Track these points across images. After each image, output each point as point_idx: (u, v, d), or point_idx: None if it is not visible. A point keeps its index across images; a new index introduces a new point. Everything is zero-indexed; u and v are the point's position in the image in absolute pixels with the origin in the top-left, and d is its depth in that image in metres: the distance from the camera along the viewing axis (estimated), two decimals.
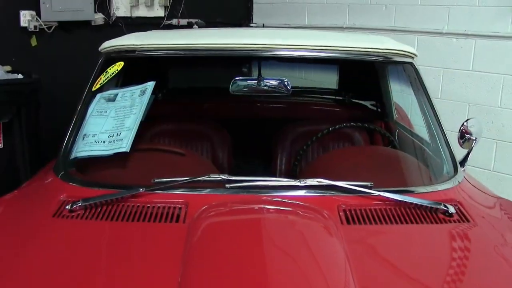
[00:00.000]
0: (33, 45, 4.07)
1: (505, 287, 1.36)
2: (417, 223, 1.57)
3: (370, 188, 1.66)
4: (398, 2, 4.12)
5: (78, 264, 1.39)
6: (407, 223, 1.57)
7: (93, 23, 4.34)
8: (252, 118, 2.94)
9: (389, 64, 2.37)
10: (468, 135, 2.20)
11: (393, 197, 1.64)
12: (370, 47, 2.07)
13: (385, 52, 2.09)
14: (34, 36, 4.07)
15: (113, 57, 2.14)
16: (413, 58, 2.21)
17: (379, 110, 2.80)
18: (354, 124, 2.34)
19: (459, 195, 1.78)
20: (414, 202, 1.64)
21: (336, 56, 2.08)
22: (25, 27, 4.00)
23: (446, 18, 3.86)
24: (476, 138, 2.20)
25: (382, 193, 1.64)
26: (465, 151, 2.17)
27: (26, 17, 3.98)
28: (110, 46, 2.17)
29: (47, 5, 3.98)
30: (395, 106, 2.78)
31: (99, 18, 4.37)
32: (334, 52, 2.05)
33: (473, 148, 2.23)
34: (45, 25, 4.06)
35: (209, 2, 4.85)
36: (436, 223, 1.58)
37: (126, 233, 1.53)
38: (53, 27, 4.12)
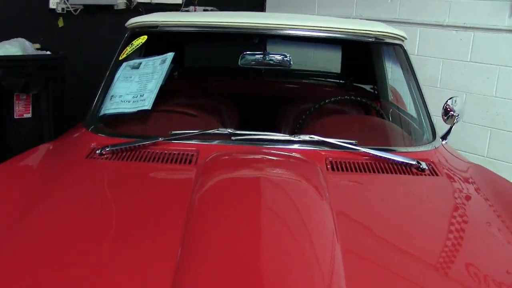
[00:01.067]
0: (60, 26, 4.42)
1: (458, 224, 1.67)
2: (391, 173, 1.89)
3: (354, 145, 1.97)
4: None
5: (103, 195, 1.73)
6: (383, 173, 1.88)
7: (115, 7, 4.69)
8: (260, 95, 3.26)
9: (382, 47, 2.66)
10: (451, 112, 2.50)
11: (374, 153, 1.95)
12: (364, 29, 2.39)
13: (377, 34, 2.40)
14: (61, 17, 4.41)
15: (137, 31, 2.47)
16: (402, 40, 2.52)
17: (376, 92, 3.10)
18: (346, 97, 2.66)
19: (434, 157, 2.08)
20: (392, 158, 1.95)
21: (332, 36, 2.39)
22: (53, 9, 4.35)
23: (447, 11, 4.16)
24: (458, 115, 2.50)
25: (365, 149, 1.96)
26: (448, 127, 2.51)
27: (54, 1, 4.34)
28: (136, 22, 2.51)
29: None
30: (391, 89, 3.08)
31: (121, 2, 4.71)
32: (331, 32, 2.37)
33: (455, 124, 2.53)
34: (71, 7, 4.41)
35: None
36: (408, 174, 1.90)
37: (145, 171, 1.86)
38: (79, 9, 4.47)
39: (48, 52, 3.93)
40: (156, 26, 2.44)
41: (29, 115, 3.75)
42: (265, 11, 5.34)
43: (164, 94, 2.25)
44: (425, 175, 1.92)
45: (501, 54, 3.89)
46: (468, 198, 1.87)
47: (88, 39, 4.49)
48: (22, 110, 3.75)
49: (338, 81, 3.52)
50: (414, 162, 1.94)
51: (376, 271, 1.34)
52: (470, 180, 2.03)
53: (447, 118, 2.51)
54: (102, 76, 2.55)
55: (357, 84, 3.41)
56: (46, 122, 3.79)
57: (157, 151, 1.95)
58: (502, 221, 1.67)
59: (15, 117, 3.71)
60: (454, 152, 2.38)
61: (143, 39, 2.44)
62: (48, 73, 3.77)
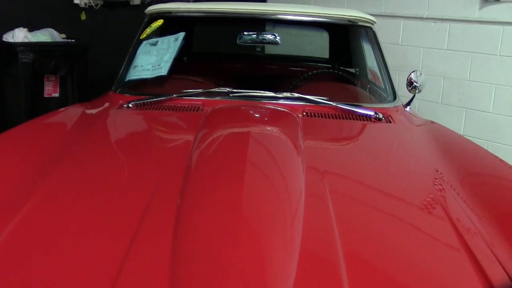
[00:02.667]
0: (82, 19, 5.07)
1: (402, 158, 2.24)
2: (353, 120, 2.47)
3: (325, 100, 2.56)
4: None
5: (130, 133, 2.34)
6: (347, 119, 2.47)
7: (131, 3, 5.34)
8: (258, 75, 3.85)
9: (356, 29, 3.22)
10: (415, 83, 3.08)
11: (340, 106, 2.52)
12: (340, 13, 2.99)
13: (350, 17, 2.99)
14: (83, 11, 5.07)
15: (155, 16, 3.07)
16: (372, 24, 3.10)
17: (357, 72, 3.68)
18: (325, 70, 3.26)
19: (391, 112, 2.65)
20: (355, 110, 2.53)
21: (315, 20, 2.99)
22: (77, 4, 5.01)
23: (426, 5, 4.73)
24: (420, 85, 3.08)
25: (333, 103, 2.54)
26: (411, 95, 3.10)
27: None
28: (154, 9, 3.11)
29: None
30: (370, 70, 3.66)
31: None
32: (313, 16, 2.97)
33: (417, 93, 3.10)
34: (93, 2, 5.06)
35: None
36: (367, 121, 2.49)
37: (162, 116, 2.46)
38: (99, 5, 5.12)
39: (73, 40, 4.57)
40: (170, 12, 3.05)
41: (57, 95, 4.40)
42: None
43: (176, 71, 2.83)
44: (381, 122, 2.50)
45: (473, 42, 4.45)
46: (412, 138, 2.44)
47: (107, 30, 5.13)
48: (51, 89, 4.39)
49: (326, 65, 4.10)
50: (372, 113, 2.52)
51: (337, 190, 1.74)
52: (418, 127, 2.61)
53: (411, 89, 3.08)
54: (119, 60, 3.16)
55: (342, 67, 4.00)
56: (72, 100, 4.43)
57: (171, 104, 2.54)
58: (438, 158, 2.21)
59: (44, 95, 4.36)
60: (414, 113, 2.96)
61: (159, 22, 3.04)
62: (73, 58, 4.42)
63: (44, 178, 1.77)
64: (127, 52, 3.08)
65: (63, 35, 4.68)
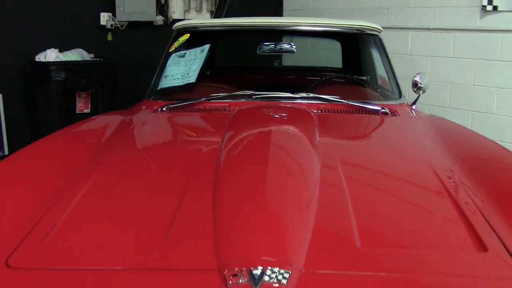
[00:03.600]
0: (109, 39, 5.49)
1: (405, 145, 2.58)
2: (362, 113, 2.82)
3: (337, 99, 2.91)
4: (396, 6, 5.40)
5: (166, 131, 2.71)
6: (358, 113, 2.82)
7: (155, 23, 5.76)
8: (277, 86, 4.21)
9: (364, 37, 3.58)
10: (419, 84, 3.43)
11: (351, 103, 2.88)
12: (349, 24, 3.37)
13: (359, 27, 3.36)
14: (110, 32, 5.49)
15: (182, 31, 3.46)
16: (379, 32, 3.46)
17: (367, 78, 4.04)
18: (339, 74, 3.62)
19: (397, 108, 2.99)
20: (364, 106, 2.88)
21: (325, 30, 3.37)
22: (104, 25, 5.43)
23: (432, 17, 5.11)
24: (424, 86, 3.42)
25: (346, 101, 2.89)
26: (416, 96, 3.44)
27: (104, 18, 5.41)
28: (181, 24, 3.49)
29: (121, 8, 5.41)
30: (380, 76, 4.00)
31: (159, 19, 5.79)
32: (324, 27, 3.35)
33: (421, 94, 3.44)
34: (119, 24, 5.48)
35: (248, 9, 6.19)
36: (374, 115, 2.84)
37: (194, 116, 2.83)
38: (124, 25, 5.54)
39: (102, 59, 4.99)
40: (196, 27, 3.44)
41: (88, 110, 4.79)
42: None
43: (201, 82, 3.18)
44: (387, 116, 2.85)
45: (476, 49, 4.80)
46: (415, 128, 2.77)
47: (132, 50, 5.55)
48: (82, 106, 4.79)
49: (340, 74, 4.46)
50: (379, 108, 2.87)
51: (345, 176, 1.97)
52: (421, 120, 2.95)
53: (416, 89, 3.43)
54: (145, 76, 3.54)
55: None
56: None
57: (200, 107, 2.91)
58: (439, 144, 2.53)
59: (77, 112, 4.75)
60: (419, 110, 3.30)
61: (186, 36, 3.42)
62: (103, 76, 4.82)
63: (100, 162, 2.14)
64: (151, 69, 3.46)
65: (92, 55, 5.09)
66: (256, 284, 1.26)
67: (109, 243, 1.55)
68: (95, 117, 3.08)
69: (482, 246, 1.54)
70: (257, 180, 1.81)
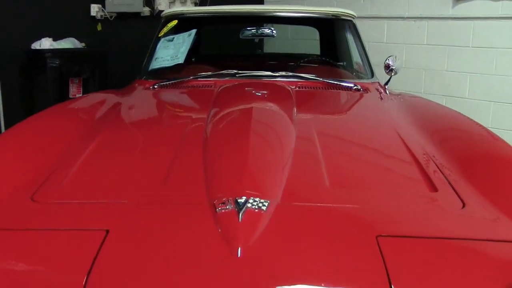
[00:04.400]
0: (98, 29, 5.77)
1: (373, 114, 2.88)
2: (336, 90, 3.13)
3: (314, 76, 3.22)
4: None
5: (157, 105, 3.00)
6: (332, 89, 3.13)
7: (142, 14, 6.05)
8: (259, 67, 4.49)
9: (340, 23, 3.88)
10: (391, 66, 3.74)
11: (326, 80, 3.19)
12: (326, 10, 3.67)
13: (334, 12, 3.67)
14: (99, 23, 5.77)
15: (170, 18, 3.74)
16: (353, 18, 3.77)
17: (342, 61, 4.34)
18: (316, 57, 3.93)
19: (369, 85, 3.30)
20: (338, 83, 3.19)
21: (303, 16, 3.67)
22: (94, 16, 5.71)
23: (407, 6, 5.44)
24: (395, 68, 3.74)
25: (323, 79, 3.20)
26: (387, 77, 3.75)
27: (95, 9, 5.69)
28: (169, 12, 3.78)
29: (110, 0, 5.69)
30: (354, 59, 4.29)
31: (146, 10, 6.08)
32: (302, 13, 3.65)
33: (393, 76, 3.75)
34: (108, 14, 5.76)
35: (231, 2, 6.46)
36: (347, 91, 3.15)
37: (183, 92, 3.12)
38: (113, 16, 5.83)
39: (93, 48, 5.28)
40: (183, 13, 3.73)
41: (81, 95, 5.07)
42: None
43: (188, 64, 3.47)
44: (359, 92, 3.16)
45: (449, 36, 5.13)
46: (384, 102, 3.08)
47: (121, 39, 5.83)
48: (75, 91, 5.07)
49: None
50: (352, 85, 3.18)
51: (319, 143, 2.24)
52: (390, 96, 3.26)
53: (388, 71, 3.74)
54: (133, 63, 3.82)
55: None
56: None
57: (189, 84, 3.20)
58: (404, 114, 2.85)
59: (70, 96, 5.03)
60: (391, 90, 3.61)
61: (174, 22, 3.71)
62: (94, 63, 5.11)
63: (102, 127, 2.44)
64: (139, 56, 3.74)
65: (83, 44, 5.37)
66: (240, 210, 1.55)
67: (117, 184, 1.86)
68: (90, 93, 3.36)
69: (433, 188, 1.85)
70: (241, 137, 2.10)
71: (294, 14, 3.70)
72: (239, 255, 1.41)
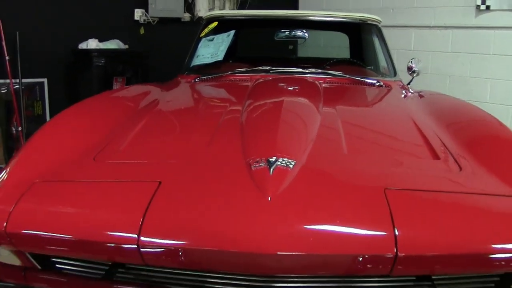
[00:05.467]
0: (141, 33, 6.21)
1: (393, 106, 3.23)
2: (360, 85, 3.48)
3: (340, 74, 3.57)
4: (400, 6, 6.08)
5: (202, 95, 3.39)
6: (359, 85, 3.47)
7: (182, 20, 6.48)
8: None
9: (366, 27, 4.23)
10: (414, 68, 4.07)
11: (353, 77, 3.54)
12: (353, 15, 4.03)
13: (361, 17, 4.03)
14: (142, 26, 6.22)
15: (211, 20, 4.14)
16: (379, 22, 4.12)
17: (370, 64, 4.68)
18: (344, 58, 4.29)
19: (391, 83, 3.64)
20: (362, 79, 3.54)
21: (334, 20, 4.03)
22: (137, 20, 6.16)
23: (433, 16, 5.78)
24: (417, 70, 4.06)
25: (348, 76, 3.55)
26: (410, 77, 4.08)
27: (138, 14, 6.14)
28: (210, 14, 4.19)
29: (153, 6, 6.14)
30: (379, 59, 4.62)
31: (186, 16, 6.51)
32: (333, 17, 4.01)
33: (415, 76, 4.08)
34: (151, 19, 6.21)
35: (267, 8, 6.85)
36: (370, 87, 3.49)
37: (223, 84, 3.50)
38: (156, 21, 6.27)
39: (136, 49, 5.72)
40: (223, 16, 4.14)
41: None
42: None
43: (226, 62, 3.84)
44: (381, 87, 3.50)
45: (471, 45, 5.46)
46: (404, 96, 3.42)
47: (162, 42, 6.26)
48: None
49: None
50: (375, 81, 3.53)
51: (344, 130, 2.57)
52: (411, 92, 3.59)
53: (411, 72, 4.07)
54: (173, 65, 4.21)
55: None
56: None
57: (227, 79, 3.58)
58: (421, 106, 3.18)
59: None
60: (412, 88, 3.93)
61: (214, 24, 4.11)
62: (137, 63, 5.54)
63: (151, 108, 2.83)
64: (179, 58, 4.13)
65: (126, 46, 5.81)
66: (271, 166, 1.91)
67: (167, 149, 2.26)
68: (137, 84, 3.77)
69: (436, 156, 2.21)
70: (273, 115, 2.49)
71: (325, 19, 4.07)
72: (269, 200, 1.76)
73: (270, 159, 1.95)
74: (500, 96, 5.27)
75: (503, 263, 1.76)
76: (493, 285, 1.92)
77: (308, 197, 1.82)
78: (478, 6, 5.34)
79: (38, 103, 5.33)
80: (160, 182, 1.88)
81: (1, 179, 2.00)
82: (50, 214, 1.83)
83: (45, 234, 1.78)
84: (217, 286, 1.91)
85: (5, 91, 5.09)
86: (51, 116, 5.40)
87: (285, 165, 1.93)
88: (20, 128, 5.09)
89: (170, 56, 5.61)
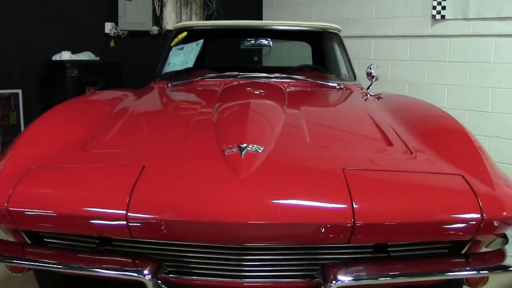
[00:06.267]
0: (111, 45, 6.44)
1: (351, 105, 3.52)
2: (322, 88, 3.78)
3: (302, 78, 3.86)
4: (360, 17, 6.43)
5: (172, 98, 3.64)
6: (321, 88, 3.77)
7: (151, 33, 6.73)
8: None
9: (327, 35, 4.53)
10: (372, 73, 4.39)
11: (315, 81, 3.84)
12: (315, 24, 4.34)
13: (323, 26, 4.34)
14: (112, 39, 6.45)
15: (181, 30, 4.41)
16: (339, 31, 4.44)
17: (331, 70, 4.97)
18: (307, 65, 4.59)
19: (351, 86, 3.94)
20: (325, 83, 3.84)
21: (296, 29, 4.33)
22: (107, 33, 6.39)
23: (391, 26, 6.13)
24: (376, 75, 4.39)
25: (312, 80, 3.84)
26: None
27: (108, 27, 6.37)
28: (180, 25, 4.45)
29: (123, 19, 6.38)
30: (339, 65, 4.91)
31: (155, 29, 6.77)
32: (295, 26, 4.32)
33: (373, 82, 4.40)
34: (120, 32, 6.45)
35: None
36: (330, 89, 3.79)
37: (193, 89, 3.76)
38: (125, 34, 6.50)
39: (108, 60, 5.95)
40: (192, 26, 4.41)
41: None
42: None
43: (195, 70, 4.11)
44: (342, 90, 3.80)
45: (428, 53, 5.81)
46: (362, 97, 3.72)
47: (131, 54, 6.49)
48: None
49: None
50: (336, 85, 3.83)
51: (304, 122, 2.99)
52: (370, 94, 3.90)
53: (370, 77, 4.39)
54: (142, 76, 4.47)
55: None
56: None
57: (197, 84, 3.84)
58: (377, 103, 3.48)
59: None
60: (372, 92, 4.25)
61: (183, 34, 4.38)
62: (109, 73, 5.77)
63: (127, 110, 3.06)
64: (148, 69, 4.38)
65: (98, 58, 6.04)
66: (242, 151, 2.18)
67: (148, 140, 2.54)
68: (110, 90, 4.01)
69: (390, 143, 2.50)
70: (242, 112, 2.76)
71: (288, 28, 4.36)
72: (242, 178, 2.03)
73: (241, 145, 2.21)
74: (457, 101, 5.61)
75: (448, 232, 2.05)
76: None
77: (276, 176, 2.09)
78: (434, 16, 5.69)
79: (13, 113, 5.50)
80: (144, 166, 2.14)
81: (0, 167, 2.24)
82: (46, 195, 2.07)
83: (42, 212, 2.02)
84: (194, 259, 2.17)
85: None
86: (25, 126, 5.58)
87: (254, 150, 2.20)
88: None
89: (140, 67, 5.84)
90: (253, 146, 2.22)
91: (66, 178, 2.16)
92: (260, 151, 2.20)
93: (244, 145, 2.22)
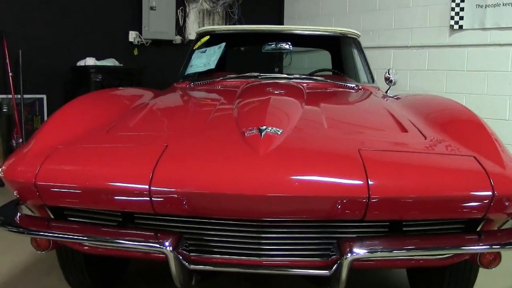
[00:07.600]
0: (135, 54, 6.61)
1: (369, 103, 3.60)
2: (340, 89, 3.86)
3: (322, 79, 3.95)
4: (380, 28, 6.53)
5: (195, 97, 3.75)
6: (339, 89, 3.85)
7: (174, 42, 6.90)
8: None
9: (346, 40, 4.63)
10: (390, 78, 4.46)
11: (335, 82, 3.92)
12: (334, 29, 4.44)
13: (341, 31, 4.44)
14: (136, 48, 6.61)
15: (203, 34, 4.53)
16: (358, 36, 4.53)
17: (350, 73, 5.05)
18: (326, 68, 4.68)
19: (369, 88, 4.03)
20: (342, 83, 3.92)
21: (316, 34, 4.43)
22: (131, 42, 6.56)
23: (410, 36, 6.22)
24: (394, 80, 4.46)
25: (331, 81, 3.93)
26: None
27: (132, 35, 6.55)
28: (203, 29, 4.58)
29: (146, 28, 6.56)
30: (358, 69, 4.99)
31: (178, 38, 6.93)
32: (315, 31, 4.42)
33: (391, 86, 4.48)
34: (144, 41, 6.61)
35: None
36: (349, 90, 3.87)
37: (215, 88, 3.87)
38: (149, 42, 6.67)
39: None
40: (214, 31, 4.53)
41: None
42: None
43: (217, 72, 4.23)
44: (359, 90, 3.88)
45: (446, 63, 5.89)
46: (380, 96, 3.80)
47: (154, 62, 6.65)
48: None
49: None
50: (354, 85, 3.92)
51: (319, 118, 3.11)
52: (388, 96, 3.97)
53: (388, 82, 4.47)
54: (164, 84, 4.60)
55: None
56: None
57: (219, 84, 3.95)
58: (395, 102, 3.57)
59: None
60: (390, 94, 4.32)
61: (206, 38, 4.50)
62: (132, 79, 5.91)
63: (150, 103, 3.17)
64: (171, 77, 4.51)
65: (121, 65, 6.20)
66: (261, 132, 2.26)
67: (171, 125, 2.66)
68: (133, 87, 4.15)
69: (404, 130, 2.58)
70: (262, 102, 2.85)
71: (307, 32, 4.47)
72: (260, 155, 2.11)
73: (261, 127, 2.30)
74: (475, 109, 5.59)
75: (461, 209, 2.11)
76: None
77: (293, 154, 2.18)
78: (451, 26, 5.78)
79: (37, 117, 5.66)
80: (166, 146, 2.23)
81: (29, 147, 2.34)
82: (72, 171, 2.17)
83: (68, 187, 2.12)
84: (214, 237, 2.25)
85: (7, 106, 5.43)
86: None
87: (274, 132, 2.29)
88: (20, 140, 5.42)
89: (162, 75, 6.00)
90: (272, 128, 2.31)
91: (92, 156, 2.26)
92: (279, 133, 2.29)
93: (264, 127, 2.31)
